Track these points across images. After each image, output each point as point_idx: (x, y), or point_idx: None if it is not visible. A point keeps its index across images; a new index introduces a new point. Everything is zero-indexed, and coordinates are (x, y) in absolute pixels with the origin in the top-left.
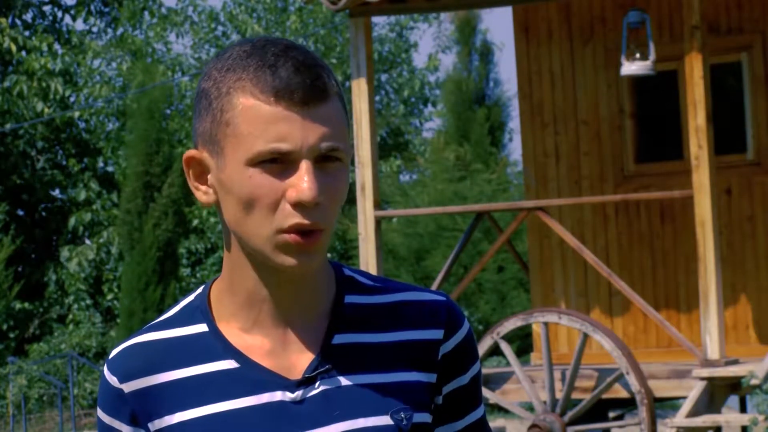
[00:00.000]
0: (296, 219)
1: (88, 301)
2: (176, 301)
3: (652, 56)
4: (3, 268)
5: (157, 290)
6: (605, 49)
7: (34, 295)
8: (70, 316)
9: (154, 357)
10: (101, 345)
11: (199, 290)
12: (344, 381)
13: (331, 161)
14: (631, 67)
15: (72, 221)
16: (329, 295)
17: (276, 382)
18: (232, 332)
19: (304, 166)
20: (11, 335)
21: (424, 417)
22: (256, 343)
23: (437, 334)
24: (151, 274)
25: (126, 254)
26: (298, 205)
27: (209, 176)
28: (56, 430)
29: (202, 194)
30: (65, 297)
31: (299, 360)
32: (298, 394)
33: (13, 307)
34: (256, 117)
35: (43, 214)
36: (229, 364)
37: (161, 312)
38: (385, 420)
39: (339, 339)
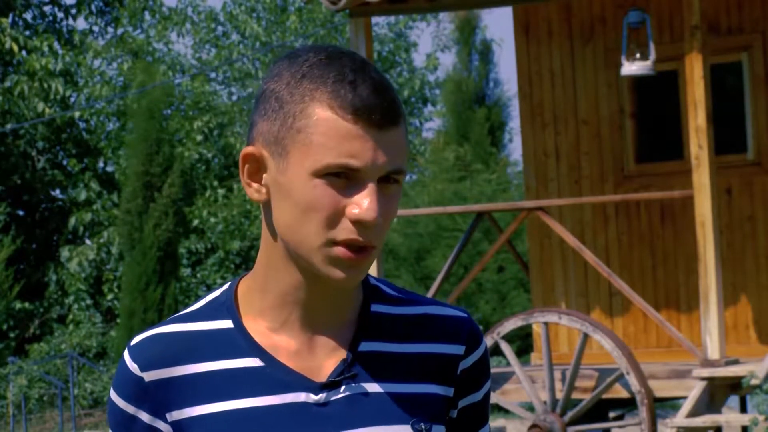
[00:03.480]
0: (353, 235)
1: (88, 301)
2: (201, 296)
3: (652, 56)
4: (3, 268)
5: (157, 290)
6: (605, 49)
7: (34, 295)
8: (70, 316)
9: (176, 348)
10: (101, 345)
11: (225, 286)
12: (368, 387)
13: (390, 183)
14: (631, 67)
15: (72, 221)
16: (356, 303)
17: (300, 383)
18: (258, 330)
19: (370, 186)
20: (11, 335)
21: (440, 430)
22: (281, 343)
23: (459, 349)
24: (151, 274)
25: (126, 254)
26: (358, 223)
27: (265, 175)
28: (56, 430)
29: (254, 191)
30: (65, 297)
31: (325, 363)
32: (322, 396)
33: (13, 307)
34: (332, 130)
35: (44, 214)
36: (253, 362)
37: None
38: (405, 429)
39: (365, 346)
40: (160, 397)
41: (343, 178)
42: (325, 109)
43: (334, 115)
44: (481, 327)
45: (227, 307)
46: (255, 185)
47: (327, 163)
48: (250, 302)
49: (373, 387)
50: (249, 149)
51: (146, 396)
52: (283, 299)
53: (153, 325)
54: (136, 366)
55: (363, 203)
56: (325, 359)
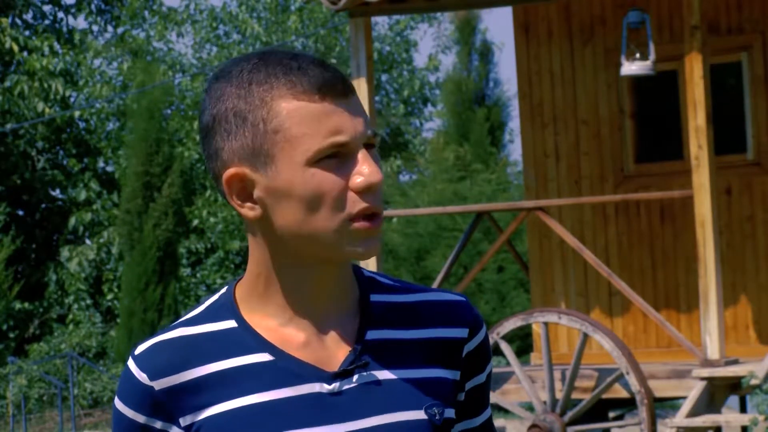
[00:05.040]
0: (366, 204)
1: (88, 301)
2: (199, 302)
3: (652, 56)
4: (3, 268)
5: (157, 290)
6: (605, 49)
7: (34, 295)
8: (70, 316)
9: (184, 352)
10: (101, 345)
11: (223, 290)
12: (380, 375)
13: (370, 148)
14: (631, 67)
15: (72, 221)
16: (354, 294)
17: (313, 373)
18: (264, 327)
19: (362, 153)
20: (11, 335)
21: (451, 413)
22: (289, 336)
23: (463, 333)
24: (151, 274)
25: (126, 254)
26: (365, 191)
27: (255, 191)
28: (56, 430)
29: (248, 210)
30: (65, 297)
31: (335, 353)
32: (336, 385)
33: (13, 307)
34: (306, 116)
35: (44, 214)
36: (263, 356)
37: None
38: (419, 414)
39: (372, 335)
40: (173, 404)
41: (336, 158)
42: (290, 101)
43: (300, 102)
44: None
45: (228, 308)
46: (248, 204)
47: (318, 148)
48: (249, 303)
49: (384, 374)
50: (231, 171)
51: (158, 405)
52: (288, 298)
53: (154, 333)
54: (145, 375)
55: (364, 170)
56: (335, 349)
